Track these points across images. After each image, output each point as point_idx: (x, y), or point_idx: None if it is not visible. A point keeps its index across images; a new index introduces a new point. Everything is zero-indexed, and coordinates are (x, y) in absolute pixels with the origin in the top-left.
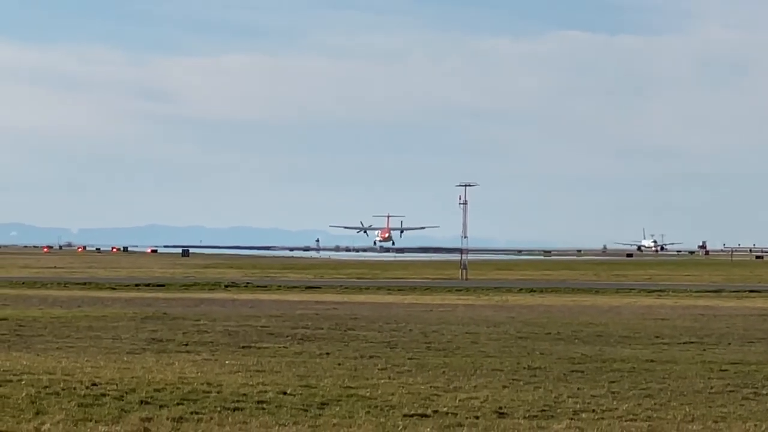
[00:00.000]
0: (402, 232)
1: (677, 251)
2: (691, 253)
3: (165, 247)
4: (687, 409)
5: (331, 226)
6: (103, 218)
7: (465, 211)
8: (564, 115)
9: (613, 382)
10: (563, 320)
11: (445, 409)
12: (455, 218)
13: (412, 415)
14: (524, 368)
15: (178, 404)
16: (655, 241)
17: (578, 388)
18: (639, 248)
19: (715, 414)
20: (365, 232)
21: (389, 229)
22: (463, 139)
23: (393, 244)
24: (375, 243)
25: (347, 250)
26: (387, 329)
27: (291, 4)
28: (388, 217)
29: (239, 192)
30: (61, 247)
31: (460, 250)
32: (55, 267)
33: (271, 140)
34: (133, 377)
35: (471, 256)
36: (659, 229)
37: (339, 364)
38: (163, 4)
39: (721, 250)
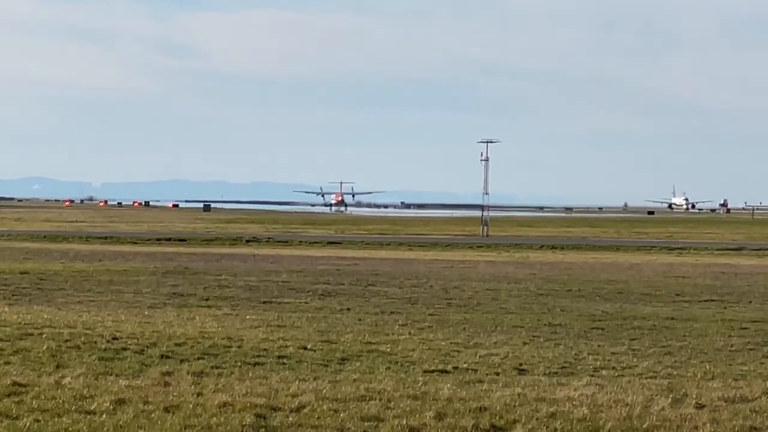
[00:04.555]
0: (353, 196)
1: (708, 209)
2: (713, 211)
3: (186, 202)
4: (707, 367)
5: (294, 191)
6: (125, 173)
7: (486, 167)
8: (587, 72)
9: (634, 339)
10: (584, 277)
11: (465, 365)
12: (476, 175)
13: (432, 371)
14: (545, 325)
15: (198, 359)
16: (686, 199)
17: (598, 345)
18: (670, 206)
19: (735, 372)
20: (323, 196)
21: (342, 194)
22: (486, 96)
23: (346, 206)
24: (330, 206)
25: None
26: (408, 285)
27: None
28: (341, 183)
29: (262, 148)
30: (82, 201)
31: (481, 207)
32: (76, 221)
33: (294, 96)
34: (153, 331)
35: (492, 213)
36: (681, 186)
37: (360, 320)
38: None
39: (743, 209)
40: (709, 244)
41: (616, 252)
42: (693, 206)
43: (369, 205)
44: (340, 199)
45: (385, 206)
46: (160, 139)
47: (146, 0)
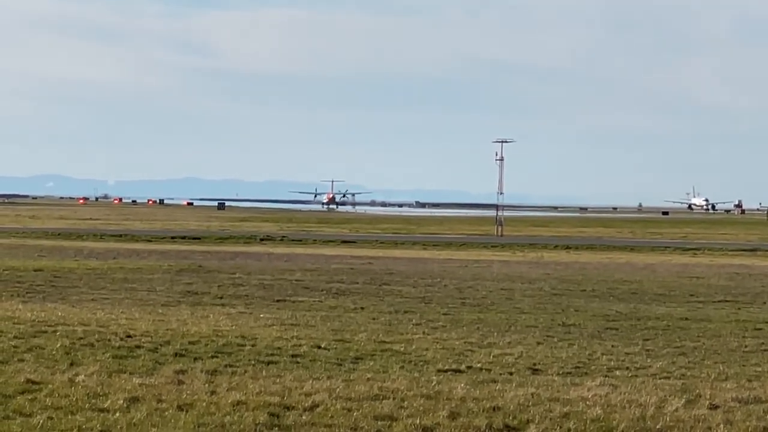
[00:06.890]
0: (344, 195)
1: (723, 210)
2: (727, 212)
3: (201, 200)
4: (721, 368)
5: (290, 191)
6: (140, 170)
7: (501, 167)
8: (602, 72)
9: (648, 339)
10: (598, 277)
11: (479, 365)
12: (491, 174)
13: (446, 371)
14: (559, 325)
15: (212, 357)
16: (706, 200)
17: (612, 346)
18: (689, 206)
19: (749, 372)
20: (315, 196)
21: (333, 193)
22: (499, 95)
23: (337, 205)
24: (322, 204)
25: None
26: (422, 284)
27: None
28: (332, 182)
29: (277, 146)
30: (97, 199)
31: (495, 206)
32: (91, 218)
33: (310, 94)
34: (167, 329)
35: (506, 213)
36: (697, 187)
37: (374, 319)
38: None
39: (757, 209)
40: (723, 245)
41: (631, 252)
42: (713, 207)
43: (383, 204)
44: (331, 197)
45: (400, 205)
46: (174, 137)
47: None
